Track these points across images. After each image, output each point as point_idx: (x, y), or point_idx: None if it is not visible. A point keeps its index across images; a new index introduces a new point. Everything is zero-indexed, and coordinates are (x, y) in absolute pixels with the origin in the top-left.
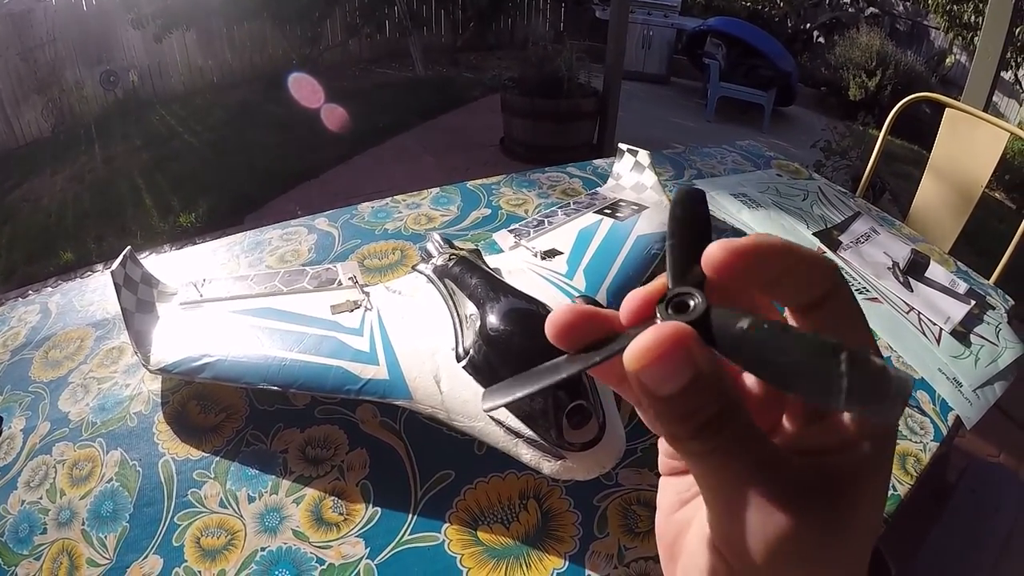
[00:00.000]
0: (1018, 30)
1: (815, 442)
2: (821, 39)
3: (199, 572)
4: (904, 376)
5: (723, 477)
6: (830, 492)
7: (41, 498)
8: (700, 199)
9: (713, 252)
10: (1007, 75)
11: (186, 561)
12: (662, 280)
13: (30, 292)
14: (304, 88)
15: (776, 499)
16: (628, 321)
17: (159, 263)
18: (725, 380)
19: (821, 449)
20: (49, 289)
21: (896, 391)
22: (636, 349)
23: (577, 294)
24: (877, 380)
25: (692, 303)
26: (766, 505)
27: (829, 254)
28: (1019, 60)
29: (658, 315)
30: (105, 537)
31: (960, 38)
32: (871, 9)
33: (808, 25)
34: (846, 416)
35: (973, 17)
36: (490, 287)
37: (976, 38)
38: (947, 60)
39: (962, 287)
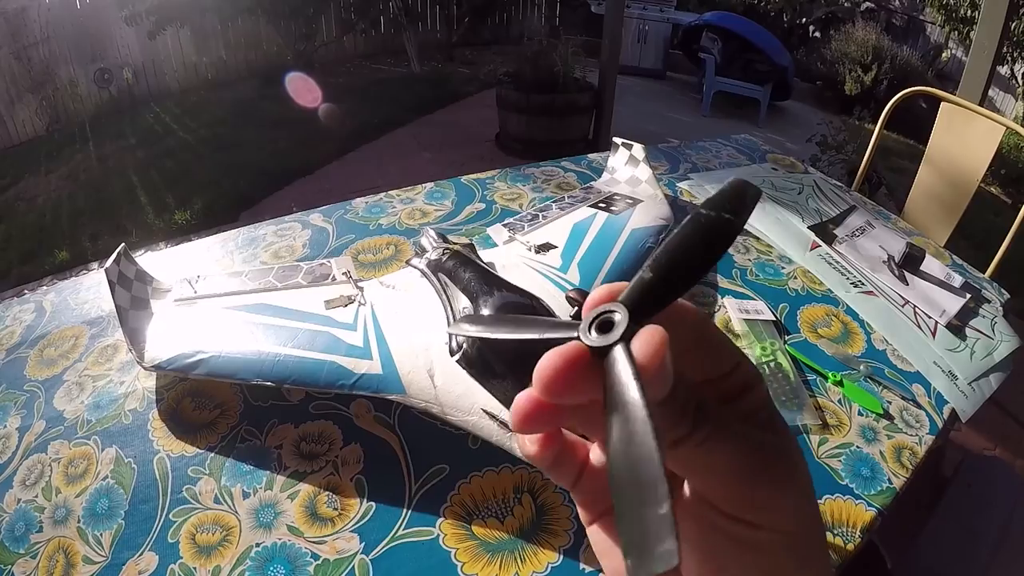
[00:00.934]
0: (1014, 25)
1: None
2: (817, 34)
3: (194, 568)
4: (733, 180)
5: (726, 452)
6: (784, 438)
7: (37, 496)
8: None
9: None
10: (1003, 70)
11: (181, 558)
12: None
13: (25, 291)
14: (299, 85)
15: (770, 455)
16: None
17: (153, 260)
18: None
19: None
20: (44, 288)
21: (745, 191)
22: (644, 353)
23: (571, 287)
24: (727, 196)
25: (615, 316)
26: (769, 461)
27: (824, 248)
28: (1015, 55)
29: (584, 338)
30: (101, 535)
31: (956, 32)
32: (867, 3)
33: (804, 20)
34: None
35: (969, 11)
36: (484, 281)
37: (972, 32)
38: (943, 55)
39: (957, 280)
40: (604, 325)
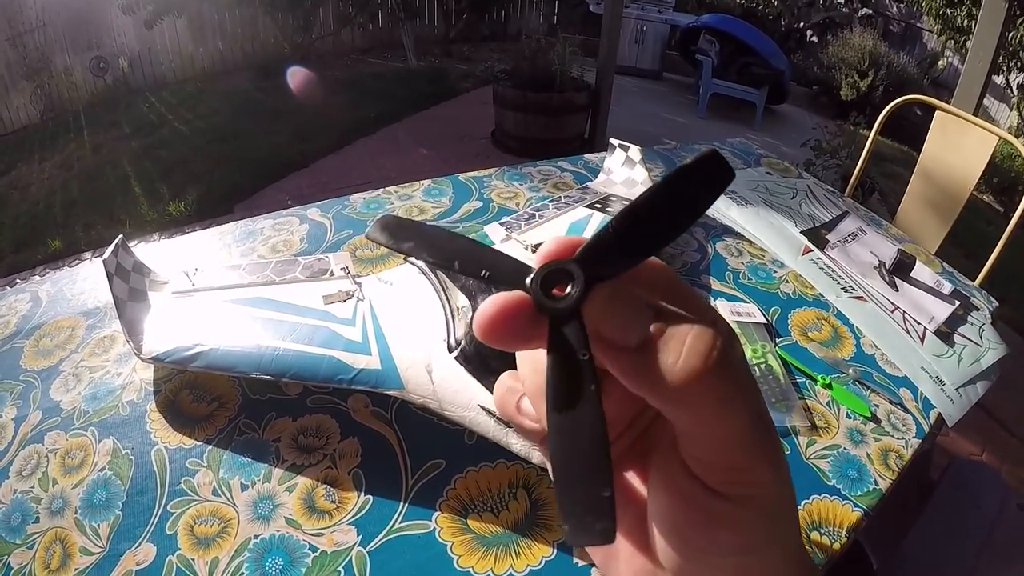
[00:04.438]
0: (1010, 35)
1: None
2: (814, 38)
3: (192, 560)
4: (709, 153)
5: (713, 397)
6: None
7: (33, 487)
8: None
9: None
10: (998, 79)
11: (179, 549)
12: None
13: (18, 280)
14: (296, 76)
15: (764, 422)
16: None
17: (151, 252)
18: None
19: None
20: (38, 278)
21: (718, 169)
22: (599, 307)
23: None
24: (703, 169)
25: (572, 272)
26: (761, 430)
27: (816, 252)
28: (1010, 64)
29: (535, 296)
30: (98, 526)
31: (953, 41)
32: (865, 10)
33: (802, 24)
34: None
35: (966, 21)
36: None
37: (968, 42)
38: (939, 63)
39: (947, 288)
40: (557, 277)
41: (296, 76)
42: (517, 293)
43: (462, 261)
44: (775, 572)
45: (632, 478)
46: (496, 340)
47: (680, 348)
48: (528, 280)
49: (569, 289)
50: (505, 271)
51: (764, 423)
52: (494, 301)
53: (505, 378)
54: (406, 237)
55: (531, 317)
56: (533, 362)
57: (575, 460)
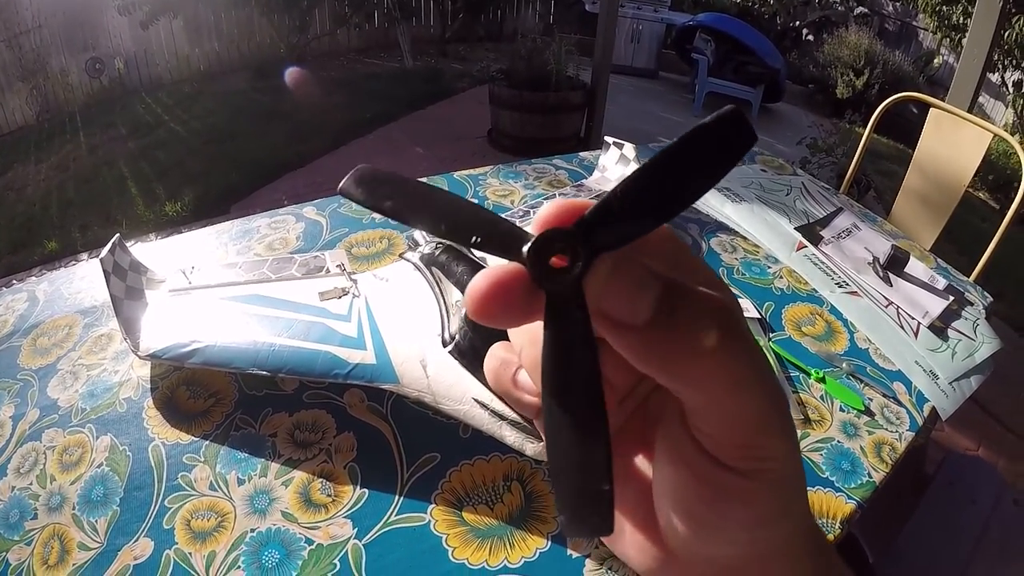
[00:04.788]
0: (1005, 32)
1: None
2: (810, 37)
3: (190, 554)
4: (731, 111)
5: (728, 374)
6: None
7: (31, 484)
8: None
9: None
10: (994, 77)
11: (176, 543)
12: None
13: (14, 281)
14: (292, 77)
15: (781, 398)
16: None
17: (147, 251)
18: None
19: None
20: (35, 278)
21: (739, 128)
22: (602, 281)
23: None
24: (724, 120)
25: (573, 240)
26: (781, 405)
27: (810, 248)
28: (1005, 62)
29: (531, 263)
30: (96, 521)
31: (948, 39)
32: (860, 8)
33: (797, 23)
34: None
35: (961, 19)
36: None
37: (964, 39)
38: (935, 61)
39: (941, 283)
40: (556, 245)
41: (292, 77)
42: (512, 265)
43: (449, 224)
44: (786, 547)
45: (633, 450)
46: (490, 318)
47: (693, 324)
48: (524, 249)
49: (570, 260)
50: (499, 238)
51: (778, 397)
52: (486, 275)
53: (497, 349)
54: (386, 194)
55: (528, 291)
56: (530, 332)
57: (571, 450)
